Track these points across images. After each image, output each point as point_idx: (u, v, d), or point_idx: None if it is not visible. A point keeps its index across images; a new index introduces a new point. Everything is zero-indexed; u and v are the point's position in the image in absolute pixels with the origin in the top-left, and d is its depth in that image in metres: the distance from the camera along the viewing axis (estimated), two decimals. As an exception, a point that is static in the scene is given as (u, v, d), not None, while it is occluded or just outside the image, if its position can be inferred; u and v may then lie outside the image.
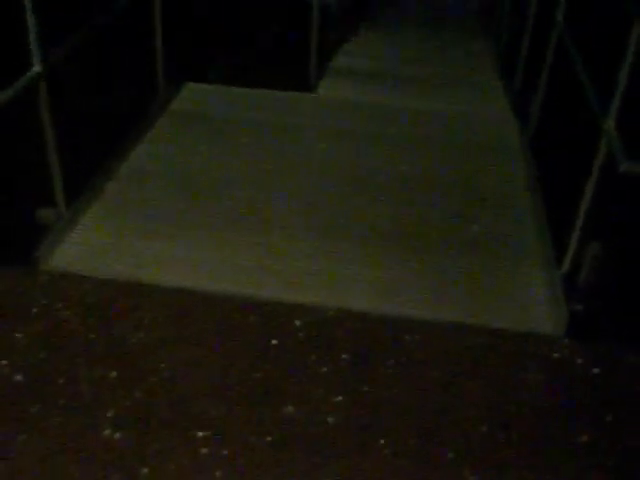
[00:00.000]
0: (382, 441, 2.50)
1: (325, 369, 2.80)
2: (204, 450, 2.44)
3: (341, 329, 3.01)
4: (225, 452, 2.43)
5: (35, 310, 3.02)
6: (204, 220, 3.67)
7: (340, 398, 2.67)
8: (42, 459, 2.38)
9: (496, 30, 6.90)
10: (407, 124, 4.84)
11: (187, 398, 2.65)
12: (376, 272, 3.36)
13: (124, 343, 2.89)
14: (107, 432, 2.49)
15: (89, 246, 3.42)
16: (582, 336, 3.00)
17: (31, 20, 3.01)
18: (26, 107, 3.14)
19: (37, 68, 3.12)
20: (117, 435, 2.48)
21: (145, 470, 2.36)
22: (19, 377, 2.69)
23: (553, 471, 2.46)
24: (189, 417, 2.57)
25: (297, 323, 3.02)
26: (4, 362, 2.74)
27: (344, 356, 2.86)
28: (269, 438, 2.49)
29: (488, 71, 6.15)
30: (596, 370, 2.84)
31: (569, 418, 2.65)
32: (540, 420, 2.64)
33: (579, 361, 2.89)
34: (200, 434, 2.50)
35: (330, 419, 2.58)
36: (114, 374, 2.74)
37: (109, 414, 2.57)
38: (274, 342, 2.91)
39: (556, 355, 2.93)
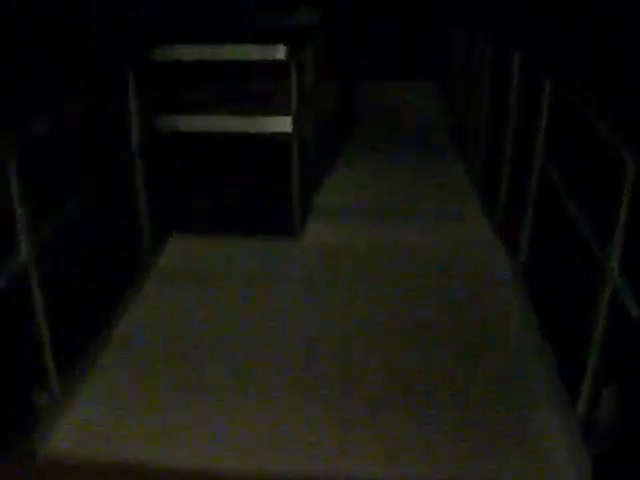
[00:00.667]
0: None
1: None
2: None
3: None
4: None
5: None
6: (200, 389, 3.54)
7: None
8: None
9: (471, 155, 7.00)
10: (395, 262, 4.81)
11: None
12: (379, 433, 3.22)
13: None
14: None
15: (86, 430, 3.26)
16: (610, 486, 2.86)
17: (19, 209, 2.98)
18: (16, 293, 3.06)
19: (25, 255, 3.06)
20: None
21: None
22: None
23: None
24: None
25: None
26: None
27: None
28: None
29: (468, 198, 6.18)
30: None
31: None
32: None
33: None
34: None
35: None
36: None
37: None
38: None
39: (584, 513, 2.78)
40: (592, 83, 3.71)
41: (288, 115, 4.95)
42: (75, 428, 3.27)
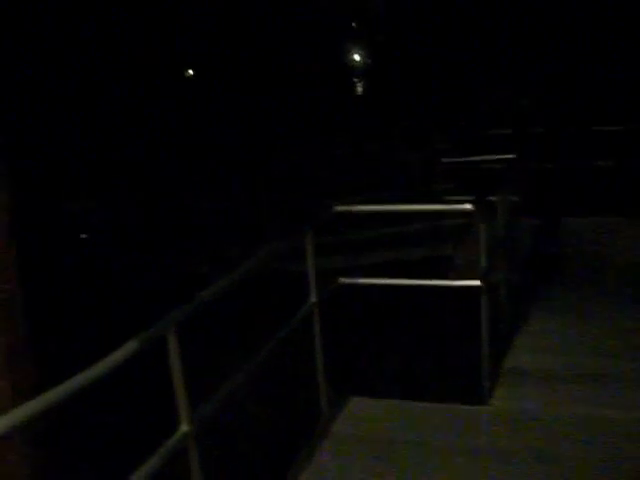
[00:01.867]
0: None
1: None
2: None
3: None
4: None
5: None
6: None
7: None
8: None
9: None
10: (600, 444, 4.11)
11: None
12: None
13: None
14: None
15: None
16: None
17: (179, 383, 2.84)
18: (174, 465, 2.89)
19: (186, 427, 2.90)
20: None
21: None
22: None
23: None
24: None
25: None
26: None
27: None
28: None
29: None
30: None
31: None
32: None
33: None
34: None
35: None
36: None
37: None
38: None
39: None
40: None
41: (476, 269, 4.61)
42: None
